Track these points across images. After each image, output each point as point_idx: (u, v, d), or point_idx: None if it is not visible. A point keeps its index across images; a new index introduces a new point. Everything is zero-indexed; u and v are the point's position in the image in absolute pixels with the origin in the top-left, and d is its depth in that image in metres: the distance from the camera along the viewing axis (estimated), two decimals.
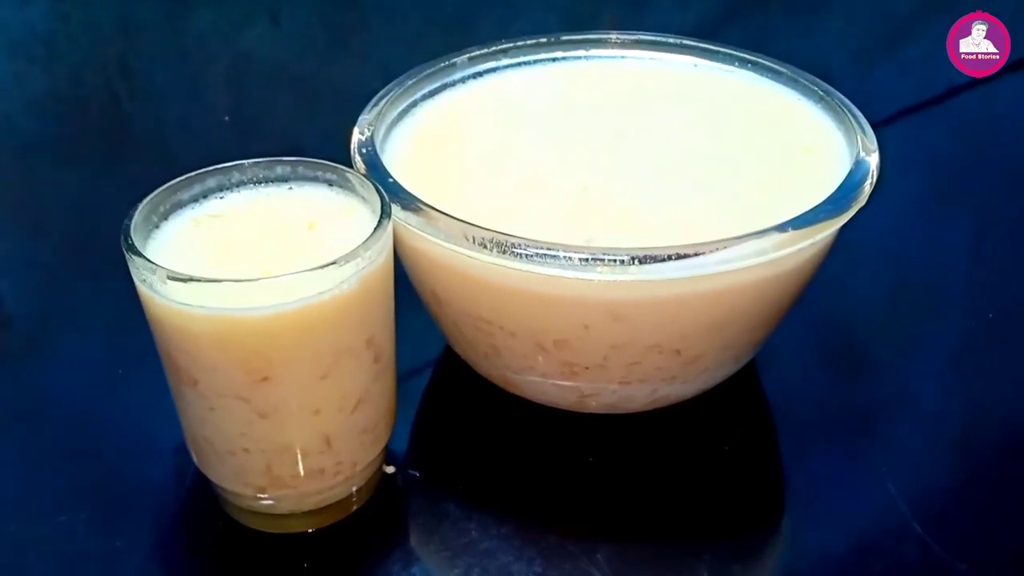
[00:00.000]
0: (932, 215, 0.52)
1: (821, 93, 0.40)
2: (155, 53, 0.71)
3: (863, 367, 0.42)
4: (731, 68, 0.43)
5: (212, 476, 0.32)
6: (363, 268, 0.29)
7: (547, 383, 0.36)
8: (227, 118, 0.62)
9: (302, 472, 0.32)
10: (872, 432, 0.38)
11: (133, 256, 0.29)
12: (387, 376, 0.33)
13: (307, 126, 0.60)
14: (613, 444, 0.37)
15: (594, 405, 0.36)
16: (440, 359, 0.41)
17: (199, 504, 0.34)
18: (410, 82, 0.41)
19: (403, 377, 0.35)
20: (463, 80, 0.43)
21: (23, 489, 0.35)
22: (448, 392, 0.40)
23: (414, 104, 0.41)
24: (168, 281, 0.28)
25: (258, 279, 0.28)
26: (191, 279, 0.28)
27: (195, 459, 0.33)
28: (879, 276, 0.47)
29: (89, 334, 0.43)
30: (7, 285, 0.48)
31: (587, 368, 0.34)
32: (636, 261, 0.30)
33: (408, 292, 0.37)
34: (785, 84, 0.41)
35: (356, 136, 0.37)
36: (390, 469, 0.35)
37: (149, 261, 0.28)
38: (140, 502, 0.35)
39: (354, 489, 0.34)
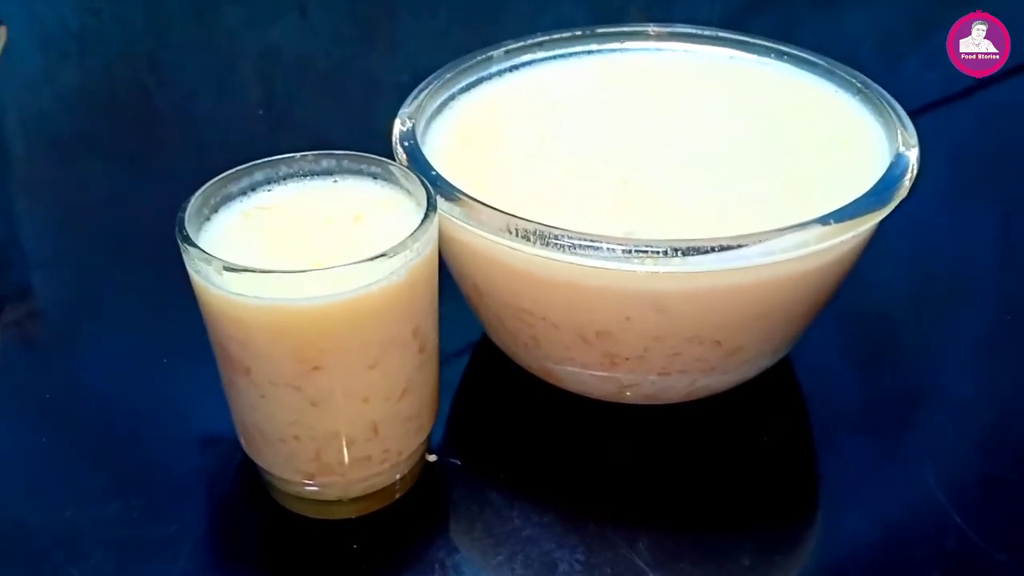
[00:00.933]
0: (962, 208, 0.52)
1: (859, 85, 0.40)
2: (185, 47, 0.72)
3: (896, 359, 0.42)
4: (767, 60, 0.43)
5: (261, 463, 0.33)
6: (411, 260, 0.30)
7: (586, 373, 0.36)
8: (261, 111, 0.63)
9: (349, 459, 0.32)
10: (908, 423, 0.38)
11: (188, 247, 0.29)
12: (431, 365, 0.34)
13: (336, 119, 0.61)
14: (651, 434, 0.37)
15: (632, 396, 0.37)
16: (476, 349, 0.42)
17: (246, 491, 0.35)
18: (448, 75, 0.41)
19: (443, 368, 0.35)
20: (500, 73, 0.43)
21: (75, 477, 0.36)
22: (485, 382, 0.41)
23: (452, 97, 0.41)
24: (223, 272, 0.28)
25: (310, 270, 0.28)
26: (246, 270, 0.28)
27: (244, 446, 0.33)
28: (909, 270, 0.47)
29: (125, 326, 0.44)
30: (39, 277, 0.49)
31: (627, 359, 0.34)
32: (679, 253, 0.31)
33: (443, 282, 0.37)
34: (822, 76, 0.42)
35: (397, 127, 0.37)
36: (432, 457, 0.36)
37: (204, 252, 0.29)
38: (190, 489, 0.35)
39: (398, 477, 0.34)
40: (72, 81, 0.68)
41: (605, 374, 0.36)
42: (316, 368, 0.30)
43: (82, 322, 0.45)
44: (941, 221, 0.50)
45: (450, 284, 0.38)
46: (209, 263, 0.29)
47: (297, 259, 0.30)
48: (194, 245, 0.29)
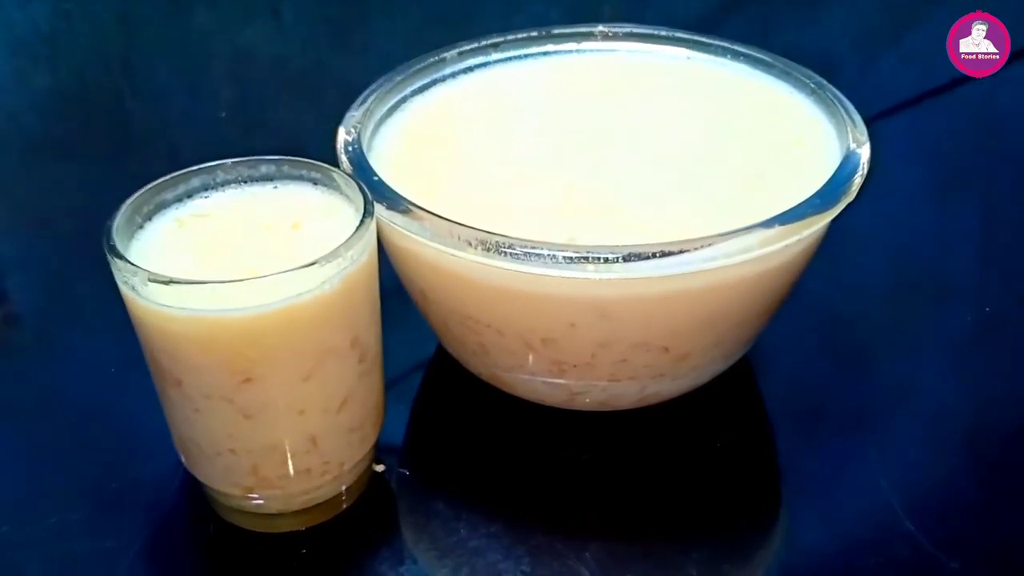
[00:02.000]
0: (932, 207, 0.51)
1: (813, 86, 0.39)
2: (157, 49, 0.71)
3: (858, 362, 0.41)
4: (724, 61, 0.43)
5: (200, 476, 0.33)
6: (345, 268, 0.29)
7: (536, 381, 0.35)
8: (224, 114, 0.62)
9: (289, 472, 0.32)
10: (865, 428, 0.38)
11: (115, 258, 0.29)
12: (373, 375, 0.33)
13: (309, 121, 0.60)
14: (604, 441, 0.37)
15: (584, 403, 0.36)
16: (433, 357, 0.41)
17: (190, 504, 0.34)
18: (399, 78, 0.41)
19: (395, 375, 0.35)
20: (453, 75, 0.42)
21: (14, 489, 0.36)
22: (440, 390, 0.40)
23: (404, 100, 0.41)
24: (149, 283, 0.28)
25: (237, 280, 0.28)
26: (172, 281, 0.28)
27: (183, 459, 0.33)
28: (876, 270, 0.47)
29: (92, 332, 0.43)
30: (12, 283, 0.48)
31: (575, 366, 0.34)
32: (620, 259, 0.30)
33: (403, 288, 0.37)
34: (778, 77, 0.41)
35: (342, 135, 0.36)
36: (380, 467, 0.35)
37: (130, 263, 0.28)
38: (132, 502, 0.35)
39: (343, 488, 0.34)
40: (43, 84, 0.68)
41: (555, 381, 0.35)
42: (248, 380, 0.29)
43: (48, 329, 0.44)
44: (911, 219, 0.50)
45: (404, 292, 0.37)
46: (135, 274, 0.28)
47: (232, 268, 0.30)
48: (120, 256, 0.29)
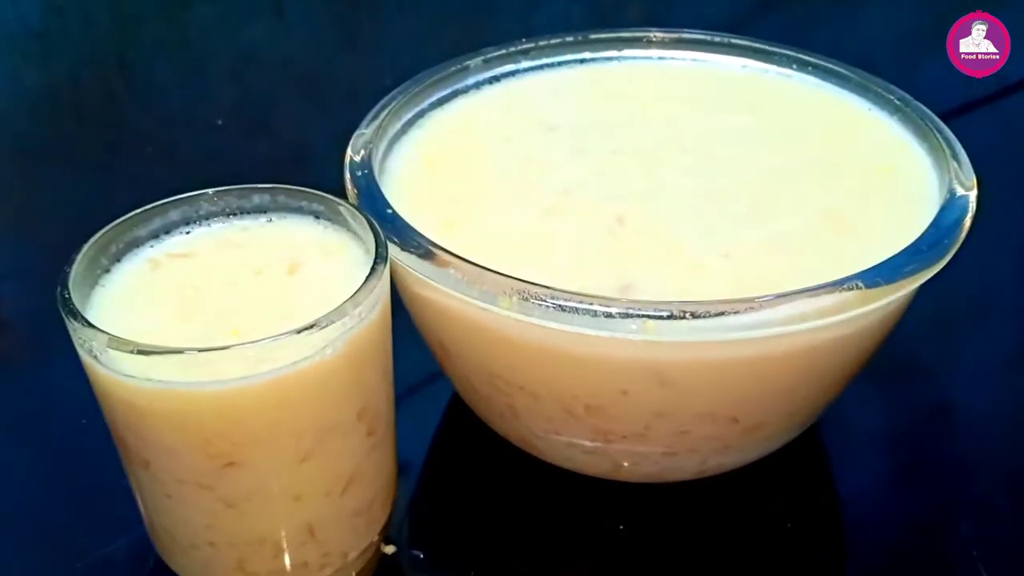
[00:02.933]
0: (1001, 237, 0.46)
1: (898, 103, 0.34)
2: (154, 48, 0.67)
3: (937, 419, 0.36)
4: (788, 71, 0.37)
5: (176, 569, 0.27)
6: (351, 328, 0.24)
7: (575, 449, 0.30)
8: (220, 122, 0.57)
9: (283, 567, 0.26)
10: (954, 498, 0.32)
11: (69, 317, 0.23)
12: (384, 448, 0.28)
13: (314, 126, 0.56)
14: (653, 518, 0.31)
15: (631, 474, 0.31)
16: (448, 409, 0.36)
17: None
18: (416, 89, 0.35)
19: (402, 434, 0.29)
20: (477, 86, 0.37)
21: None
22: (456, 452, 0.35)
23: (421, 114, 0.36)
24: (109, 349, 0.22)
25: (219, 348, 0.22)
26: (138, 349, 0.22)
27: (156, 548, 0.28)
28: (954, 315, 0.41)
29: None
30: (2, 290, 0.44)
31: (624, 437, 0.28)
32: (687, 316, 0.25)
33: (407, 323, 0.31)
34: (853, 91, 0.36)
35: (349, 157, 0.31)
36: (390, 549, 0.30)
37: (87, 324, 0.23)
38: None
39: None
40: (35, 83, 0.64)
41: (598, 450, 0.30)
42: (230, 464, 0.24)
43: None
44: (993, 255, 0.44)
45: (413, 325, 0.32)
46: (93, 338, 0.23)
47: (211, 324, 0.24)
48: (74, 314, 0.23)
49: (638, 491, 0.32)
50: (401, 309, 0.31)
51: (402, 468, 0.30)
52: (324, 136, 0.54)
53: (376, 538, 0.29)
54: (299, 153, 0.54)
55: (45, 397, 0.36)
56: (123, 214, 0.27)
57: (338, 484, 0.26)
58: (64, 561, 0.30)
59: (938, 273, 0.27)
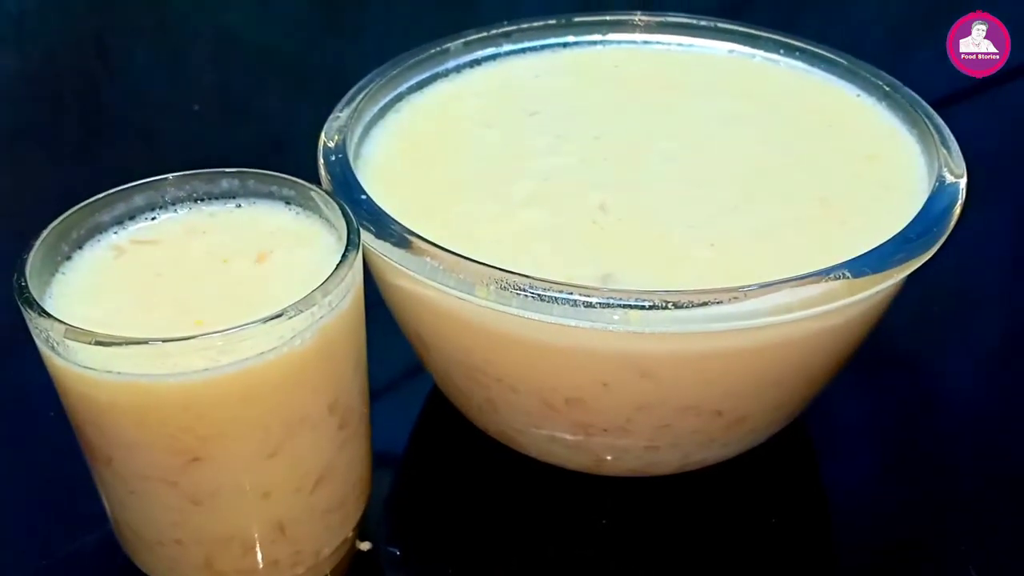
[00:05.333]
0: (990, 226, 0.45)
1: (887, 88, 0.33)
2: (134, 31, 0.66)
3: (924, 411, 0.35)
4: (775, 56, 0.36)
5: (142, 567, 0.26)
6: (321, 318, 0.23)
7: (555, 443, 0.29)
8: (197, 107, 0.56)
9: (254, 565, 0.25)
10: (941, 490, 0.32)
11: (25, 306, 0.22)
12: (357, 442, 0.27)
13: (295, 112, 0.55)
14: (635, 513, 0.31)
15: (613, 469, 0.30)
16: (427, 401, 0.35)
17: None
18: (394, 72, 0.34)
19: (379, 428, 0.29)
20: (457, 69, 0.36)
21: None
22: (433, 446, 0.34)
23: (399, 98, 0.35)
24: (67, 340, 0.21)
25: (182, 339, 0.21)
26: (96, 340, 0.21)
27: (121, 545, 0.27)
28: (941, 305, 0.40)
29: None
30: None
31: (606, 431, 0.28)
32: (669, 306, 0.24)
33: (384, 313, 0.30)
34: (841, 77, 0.35)
35: (323, 142, 0.30)
36: (365, 546, 0.29)
37: (43, 314, 0.22)
38: None
39: None
40: (10, 68, 0.62)
41: (579, 444, 0.29)
42: (195, 459, 0.23)
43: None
44: (984, 247, 0.43)
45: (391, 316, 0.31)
46: (50, 328, 0.22)
47: (176, 315, 0.23)
48: (30, 303, 0.22)
49: (621, 485, 0.31)
50: (380, 300, 0.30)
51: (379, 462, 0.29)
52: (304, 122, 0.53)
53: (350, 534, 0.28)
54: (279, 139, 0.53)
55: (10, 391, 0.35)
56: None
57: (309, 480, 0.25)
58: (31, 558, 0.29)
59: (926, 262, 0.26)
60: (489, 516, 0.31)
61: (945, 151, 0.29)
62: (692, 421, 0.27)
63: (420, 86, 0.35)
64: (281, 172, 0.27)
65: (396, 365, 0.35)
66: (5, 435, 0.34)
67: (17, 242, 0.42)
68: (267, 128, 0.53)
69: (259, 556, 0.25)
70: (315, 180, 0.28)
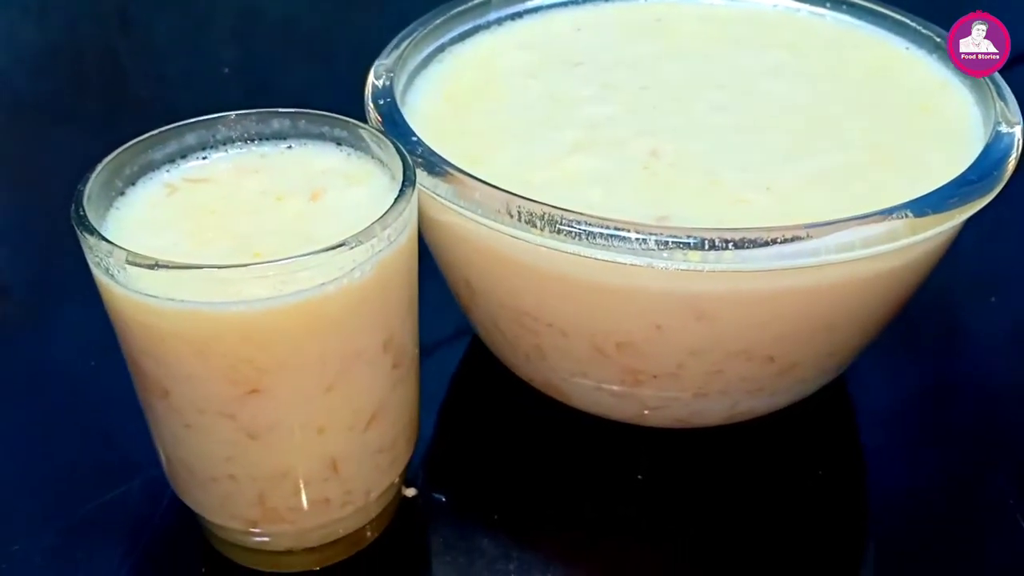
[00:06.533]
0: None
1: (938, 40, 0.33)
2: (155, 4, 0.66)
3: (971, 372, 0.35)
4: (820, 10, 0.36)
5: (192, 505, 0.26)
6: (380, 251, 0.23)
7: (602, 392, 0.29)
8: (227, 70, 0.56)
9: (303, 503, 0.25)
10: (990, 445, 0.31)
11: (84, 233, 0.22)
12: (408, 384, 0.27)
13: (319, 82, 0.55)
14: (679, 465, 0.31)
15: (657, 419, 0.30)
16: (467, 352, 0.35)
17: (180, 535, 0.28)
18: (436, 21, 0.34)
19: (422, 378, 0.28)
20: (499, 21, 0.36)
21: None
22: (477, 396, 0.34)
23: (441, 48, 0.34)
24: (128, 266, 0.21)
25: (243, 265, 0.21)
26: (157, 264, 0.21)
27: (171, 483, 0.27)
28: (983, 263, 0.40)
29: (84, 307, 0.37)
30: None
31: (655, 377, 0.28)
32: (728, 245, 0.24)
33: (424, 263, 0.30)
34: (889, 30, 0.34)
35: (371, 83, 0.30)
36: (410, 492, 0.29)
37: (104, 239, 0.22)
38: (109, 528, 0.28)
39: (368, 520, 0.27)
40: (32, 39, 0.62)
41: (626, 393, 0.29)
42: (254, 391, 0.23)
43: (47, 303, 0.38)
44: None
45: (432, 265, 0.30)
46: (111, 254, 0.22)
47: (233, 249, 0.23)
48: (91, 230, 0.22)
49: (663, 437, 0.31)
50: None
51: (424, 412, 0.29)
52: (328, 93, 0.53)
53: (397, 479, 0.28)
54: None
55: (47, 357, 0.35)
56: None
57: (362, 417, 0.25)
58: (75, 504, 0.29)
59: (977, 217, 0.26)
60: (532, 466, 0.31)
61: (1002, 102, 0.29)
62: (743, 367, 0.27)
63: (462, 37, 0.35)
64: None
65: (434, 322, 0.35)
66: (45, 385, 0.34)
67: (43, 215, 0.43)
68: (289, 100, 0.53)
69: (311, 493, 0.25)
70: None
